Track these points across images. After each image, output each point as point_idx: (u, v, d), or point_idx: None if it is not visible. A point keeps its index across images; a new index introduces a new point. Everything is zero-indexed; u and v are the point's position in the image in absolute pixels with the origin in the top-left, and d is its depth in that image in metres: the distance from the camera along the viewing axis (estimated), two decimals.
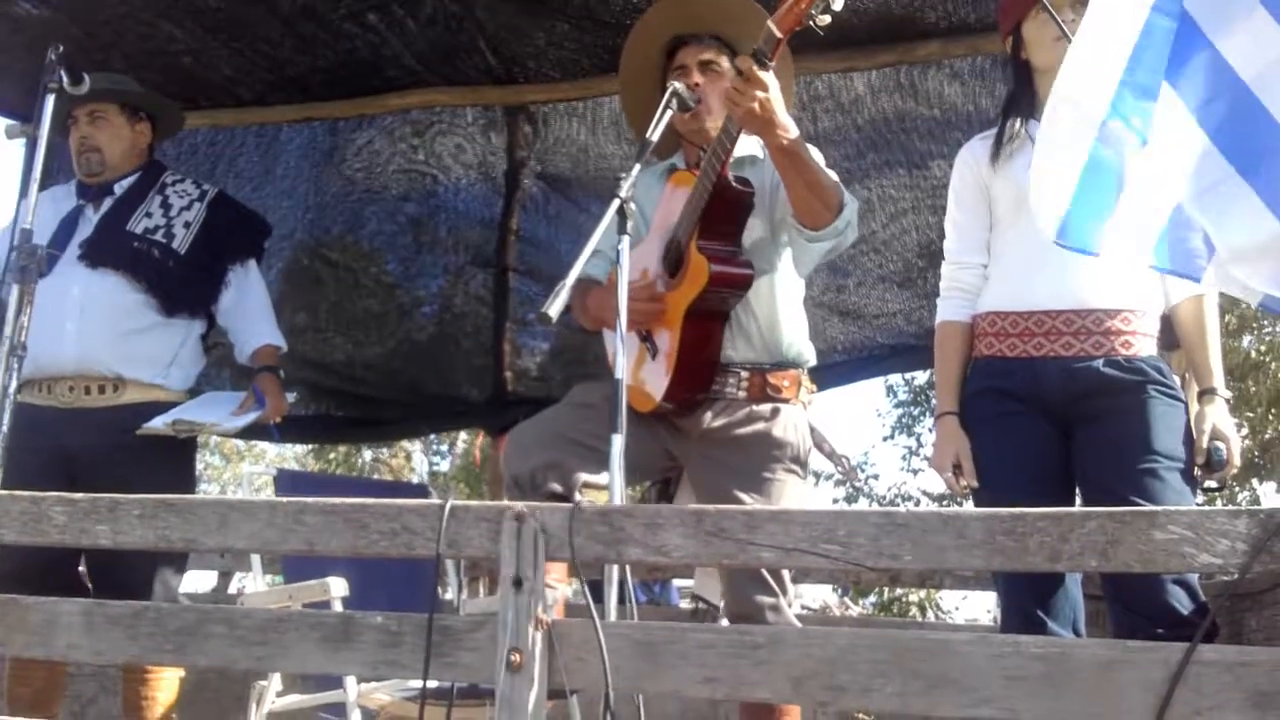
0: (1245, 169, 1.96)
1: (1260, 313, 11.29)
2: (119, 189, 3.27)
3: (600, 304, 2.71)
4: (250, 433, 3.47)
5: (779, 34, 2.32)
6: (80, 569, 3.03)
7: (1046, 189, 2.04)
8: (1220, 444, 2.39)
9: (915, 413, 16.92)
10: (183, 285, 3.19)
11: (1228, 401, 2.46)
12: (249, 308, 3.36)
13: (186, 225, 3.24)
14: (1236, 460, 2.41)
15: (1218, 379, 2.46)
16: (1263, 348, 12.13)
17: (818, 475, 14.31)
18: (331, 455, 16.23)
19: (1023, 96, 2.60)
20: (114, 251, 3.13)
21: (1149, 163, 2.00)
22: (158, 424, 3.04)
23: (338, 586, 2.96)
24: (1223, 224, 1.98)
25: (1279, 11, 1.97)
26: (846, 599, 10.64)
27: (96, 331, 3.06)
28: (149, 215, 3.22)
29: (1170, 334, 2.55)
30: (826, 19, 2.26)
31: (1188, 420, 2.42)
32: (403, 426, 5.85)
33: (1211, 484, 2.43)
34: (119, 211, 3.22)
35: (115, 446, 3.00)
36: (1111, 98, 2.02)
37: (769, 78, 2.37)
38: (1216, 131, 1.99)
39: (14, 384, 2.56)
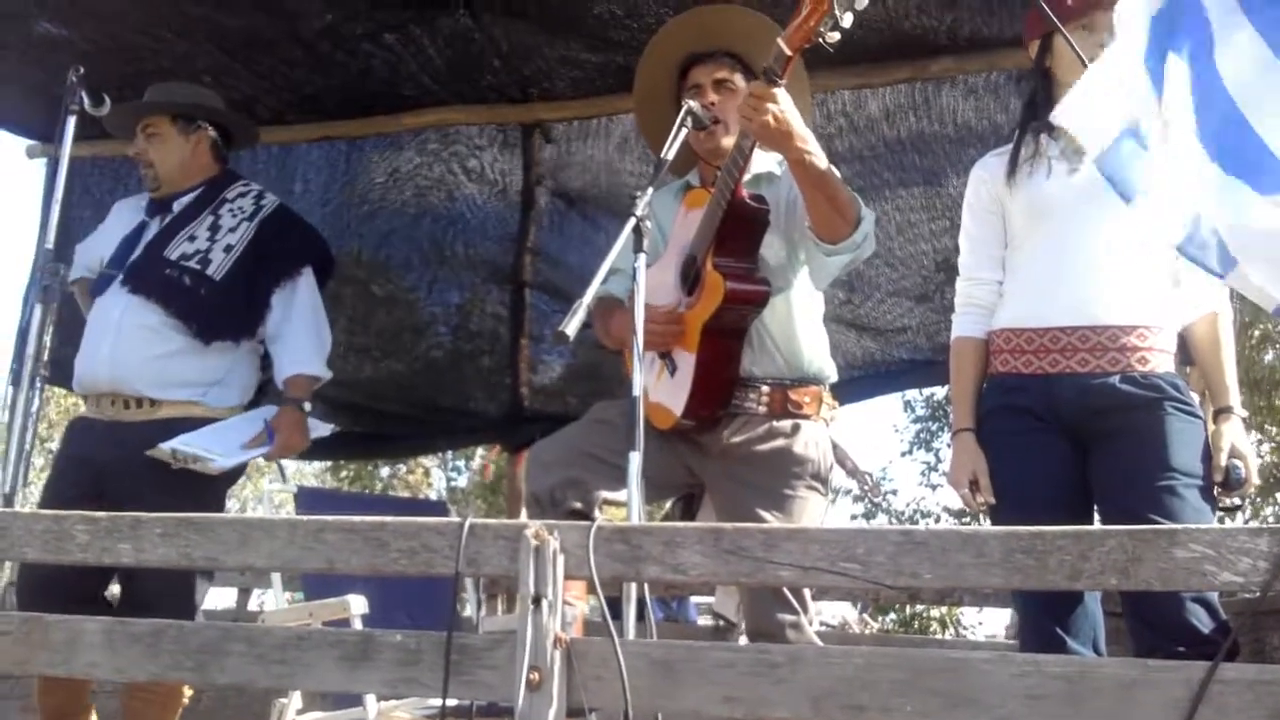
0: (1247, 176, 1.96)
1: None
2: (177, 207, 3.25)
3: (622, 325, 2.71)
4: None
5: (788, 51, 2.33)
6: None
7: (1089, 115, 2.02)
8: (1238, 462, 2.37)
9: (933, 428, 16.87)
10: (218, 312, 3.13)
11: (1244, 420, 2.45)
12: (289, 333, 3.24)
13: (227, 249, 3.18)
14: (1255, 478, 2.40)
15: (1234, 397, 2.45)
16: None
17: (836, 491, 14.27)
18: (344, 472, 16.24)
19: (1041, 106, 2.58)
20: (148, 278, 3.13)
21: (1165, 166, 2.00)
22: (165, 448, 3.00)
23: (357, 604, 2.97)
24: (1242, 236, 1.98)
25: (1261, 23, 1.97)
26: (865, 615, 10.61)
27: (128, 354, 3.07)
28: (192, 239, 3.19)
29: (1187, 350, 2.54)
30: (836, 36, 2.26)
31: (1206, 437, 2.41)
32: (420, 442, 5.86)
33: (1232, 502, 2.42)
34: (166, 234, 3.20)
35: (145, 461, 2.98)
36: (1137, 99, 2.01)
37: (780, 92, 2.38)
38: (1209, 140, 1.99)
39: (37, 402, 2.58)
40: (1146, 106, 2.03)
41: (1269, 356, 12.04)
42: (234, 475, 3.16)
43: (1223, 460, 2.37)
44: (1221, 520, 2.56)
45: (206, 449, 3.03)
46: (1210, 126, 2.00)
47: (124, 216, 3.32)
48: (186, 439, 3.03)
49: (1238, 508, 2.44)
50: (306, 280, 3.29)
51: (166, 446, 2.99)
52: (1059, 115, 2.10)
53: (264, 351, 3.27)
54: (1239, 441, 2.40)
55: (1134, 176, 2.00)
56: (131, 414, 3.08)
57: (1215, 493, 2.38)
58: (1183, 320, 2.51)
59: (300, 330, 3.26)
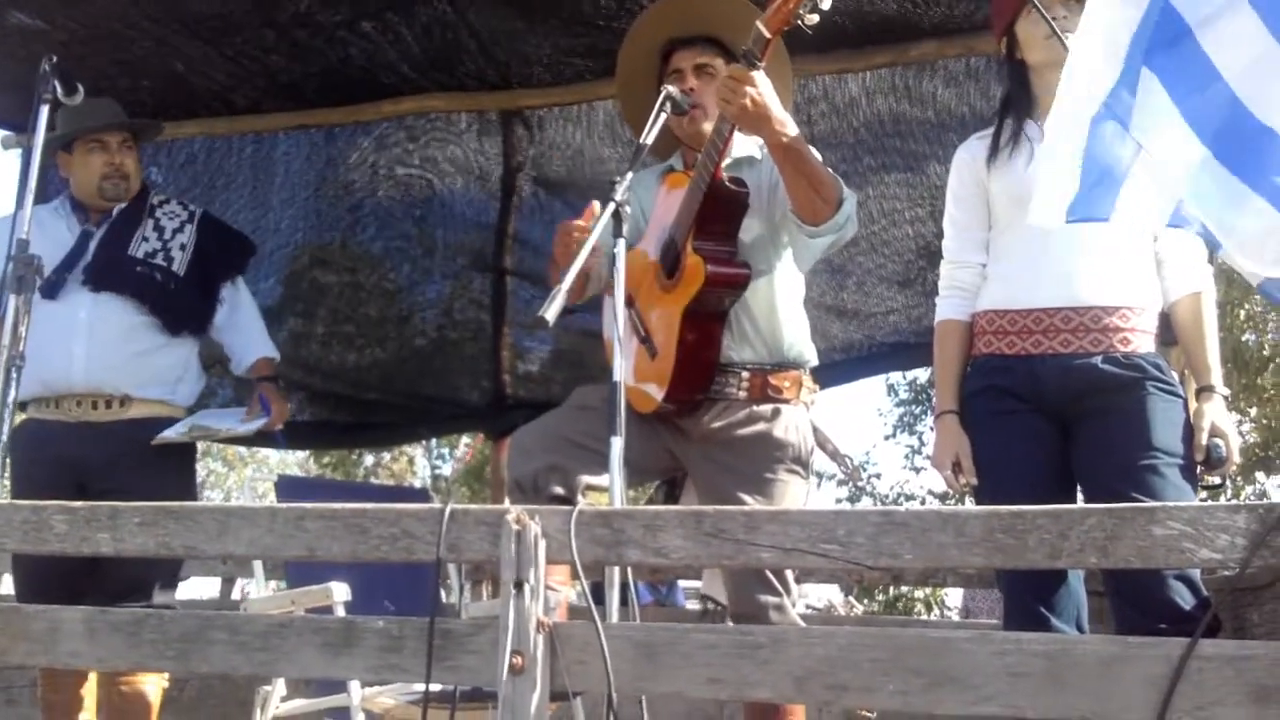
0: (1228, 161, 1.96)
1: (1266, 309, 11.33)
2: (115, 213, 3.32)
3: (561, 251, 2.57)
4: (257, 439, 3.53)
5: (767, 34, 2.33)
6: None
7: (1052, 183, 2.04)
8: (1219, 441, 2.39)
9: (917, 411, 16.96)
10: (183, 306, 3.27)
11: (1225, 398, 2.46)
12: (242, 322, 3.45)
13: (182, 247, 3.31)
14: (1235, 457, 2.41)
15: (1216, 376, 2.46)
16: (1267, 341, 12.15)
17: (820, 475, 14.33)
18: (326, 459, 16.23)
19: (1019, 96, 2.60)
20: (118, 276, 3.20)
21: (1144, 161, 2.01)
22: (171, 434, 3.13)
23: (340, 591, 2.97)
24: (1218, 215, 1.98)
25: (1264, 10, 1.97)
26: (851, 598, 10.65)
27: (105, 354, 3.13)
28: (145, 239, 3.28)
29: (1169, 331, 2.55)
30: (815, 18, 2.27)
31: (1187, 416, 2.42)
32: (403, 431, 5.87)
33: (1213, 480, 2.43)
34: (116, 236, 3.27)
35: (122, 455, 3.08)
36: (1106, 96, 2.02)
37: (759, 75, 2.38)
38: (1199, 126, 1.99)
39: (13, 393, 2.57)
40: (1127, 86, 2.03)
41: (1250, 337, 12.11)
42: (195, 452, 3.39)
43: (1204, 439, 2.38)
44: (1204, 500, 2.58)
45: (215, 425, 3.26)
46: (1201, 111, 2.00)
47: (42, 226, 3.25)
48: (191, 421, 3.21)
49: (1219, 486, 2.45)
50: (242, 276, 3.51)
51: (173, 432, 3.13)
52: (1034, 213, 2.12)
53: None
54: (1220, 420, 2.41)
55: (1106, 193, 2.01)
56: (100, 414, 3.14)
57: (1197, 472, 2.40)
58: (1166, 299, 2.52)
59: (252, 320, 3.50)
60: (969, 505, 2.27)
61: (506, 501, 2.65)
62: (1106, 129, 2.02)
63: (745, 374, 2.68)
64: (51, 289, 3.10)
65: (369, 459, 17.62)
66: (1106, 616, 2.45)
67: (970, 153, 2.67)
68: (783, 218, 2.67)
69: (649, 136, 2.50)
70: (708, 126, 2.70)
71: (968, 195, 2.65)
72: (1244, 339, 11.82)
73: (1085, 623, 2.44)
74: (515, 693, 1.69)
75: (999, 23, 2.64)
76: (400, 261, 4.80)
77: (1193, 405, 2.45)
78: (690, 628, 1.75)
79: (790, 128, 2.44)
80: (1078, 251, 2.46)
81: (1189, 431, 2.40)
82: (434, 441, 17.45)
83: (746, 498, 2.60)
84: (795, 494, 2.67)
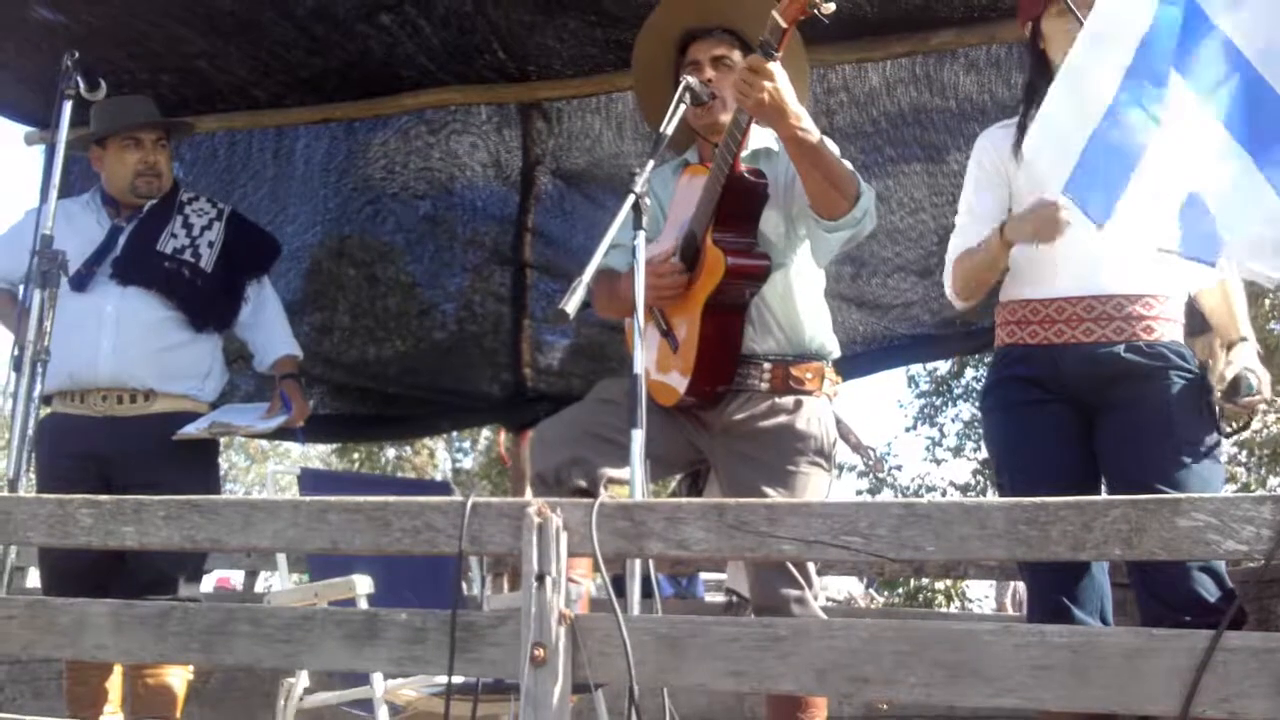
0: (1258, 152, 1.96)
1: None
2: (146, 209, 3.35)
3: (629, 290, 2.64)
4: (277, 434, 3.56)
5: (784, 24, 2.32)
6: None
7: (1048, 148, 2.04)
8: (1250, 373, 2.35)
9: (937, 403, 16.86)
10: (210, 302, 3.31)
11: (1259, 353, 2.43)
12: (267, 321, 3.49)
13: (210, 245, 3.35)
14: (1267, 392, 2.37)
15: (1247, 330, 2.43)
16: None
17: (841, 467, 14.30)
18: (355, 455, 16.31)
19: (1042, 86, 2.58)
20: (146, 271, 3.23)
21: (1163, 148, 2.00)
22: (193, 429, 3.16)
23: (363, 584, 2.98)
24: (1237, 215, 1.98)
25: None
26: (872, 590, 10.63)
27: (131, 348, 3.16)
28: (174, 235, 3.32)
29: (1194, 320, 2.53)
30: (831, 7, 2.26)
31: (1212, 404, 2.40)
32: (424, 424, 5.88)
33: (1239, 421, 2.38)
34: (145, 231, 3.31)
35: (147, 451, 3.11)
36: (1120, 82, 2.01)
37: (776, 68, 2.37)
38: (1229, 116, 1.99)
39: (39, 388, 2.59)
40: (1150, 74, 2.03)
41: (1276, 326, 12.00)
42: (219, 447, 3.44)
43: (1231, 372, 2.35)
44: (1232, 440, 2.51)
45: (236, 421, 3.29)
46: (1229, 100, 2.00)
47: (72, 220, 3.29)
48: (212, 417, 3.24)
49: (1245, 428, 2.41)
50: (267, 275, 3.55)
51: (194, 428, 3.17)
52: (1026, 149, 2.12)
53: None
54: (1253, 360, 2.38)
55: (1105, 196, 2.00)
56: (125, 409, 3.17)
57: (1217, 407, 2.35)
58: (1191, 288, 2.50)
59: (276, 317, 3.54)
60: (991, 497, 2.26)
61: (529, 495, 2.66)
62: (1131, 115, 2.01)
63: (767, 365, 2.67)
64: (80, 282, 3.14)
65: (390, 452, 17.69)
66: (1131, 608, 2.44)
67: (992, 140, 2.66)
68: (800, 211, 2.66)
69: (669, 127, 2.50)
70: (724, 118, 2.69)
71: (989, 180, 2.64)
72: (1269, 327, 11.72)
73: (1109, 614, 2.43)
74: (537, 685, 1.70)
75: (1025, 13, 2.62)
76: (420, 254, 4.82)
77: (1221, 360, 2.41)
78: (712, 620, 1.75)
79: (806, 122, 2.43)
80: (1100, 240, 2.44)
81: (1213, 418, 2.38)
82: (454, 434, 17.50)
83: (769, 490, 2.59)
84: (818, 486, 2.66)
